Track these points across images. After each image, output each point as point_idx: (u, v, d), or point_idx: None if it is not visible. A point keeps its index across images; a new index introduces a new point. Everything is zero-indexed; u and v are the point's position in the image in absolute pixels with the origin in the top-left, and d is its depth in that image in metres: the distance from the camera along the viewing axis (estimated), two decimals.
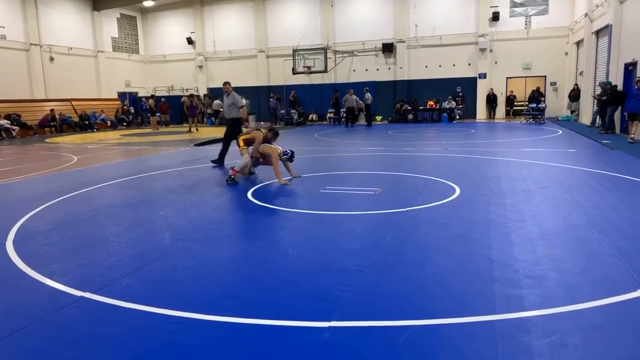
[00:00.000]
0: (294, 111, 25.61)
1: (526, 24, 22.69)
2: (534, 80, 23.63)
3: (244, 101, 10.32)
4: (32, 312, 3.13)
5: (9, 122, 20.07)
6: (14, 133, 19.73)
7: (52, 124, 21.94)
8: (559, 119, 20.87)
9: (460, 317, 2.89)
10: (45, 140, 18.16)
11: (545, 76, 23.01)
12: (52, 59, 23.88)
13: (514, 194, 6.40)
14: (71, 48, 24.88)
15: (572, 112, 20.70)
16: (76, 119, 23.38)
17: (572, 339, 2.62)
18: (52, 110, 22.29)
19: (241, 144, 8.27)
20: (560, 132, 15.51)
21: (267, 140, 8.15)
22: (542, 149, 11.25)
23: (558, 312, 2.93)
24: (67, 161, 11.53)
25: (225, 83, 10.32)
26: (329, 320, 2.88)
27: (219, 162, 10.09)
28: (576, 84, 20.38)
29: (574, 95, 20.20)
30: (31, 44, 22.86)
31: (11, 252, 4.40)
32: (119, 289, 3.48)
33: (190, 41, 28.40)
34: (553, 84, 22.93)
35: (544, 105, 20.61)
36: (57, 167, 10.57)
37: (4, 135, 19.24)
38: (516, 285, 3.36)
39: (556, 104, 22.55)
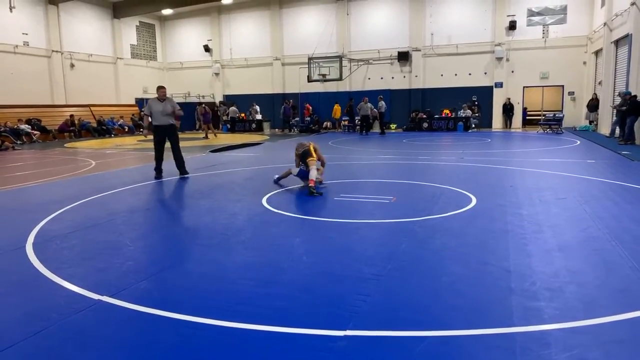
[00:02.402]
0: (299, 119, 25.74)
1: (544, 33, 22.50)
2: (552, 90, 23.39)
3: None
4: (50, 314, 3.18)
5: (29, 126, 20.50)
6: (34, 137, 20.14)
7: (71, 129, 22.36)
8: (577, 129, 20.59)
9: (477, 329, 2.85)
10: (65, 145, 18.49)
11: (562, 86, 22.76)
12: (72, 65, 24.39)
13: (531, 204, 6.31)
14: (91, 55, 25.39)
15: (590, 122, 20.41)
16: (94, 125, 23.78)
17: (593, 353, 2.57)
18: (71, 115, 22.72)
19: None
20: (579, 142, 15.29)
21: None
22: (559, 160, 11.10)
23: (578, 326, 2.88)
24: (86, 166, 11.71)
25: (161, 87, 9.49)
26: (345, 329, 2.86)
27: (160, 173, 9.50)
28: (595, 94, 20.11)
29: (593, 105, 19.92)
30: (53, 51, 23.39)
31: (31, 255, 4.48)
32: (136, 293, 3.51)
33: (207, 49, 28.77)
34: (571, 93, 22.66)
35: (561, 115, 20.37)
36: (75, 171, 10.75)
37: (25, 140, 19.65)
38: (534, 297, 3.30)
39: (574, 114, 22.27)
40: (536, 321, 2.94)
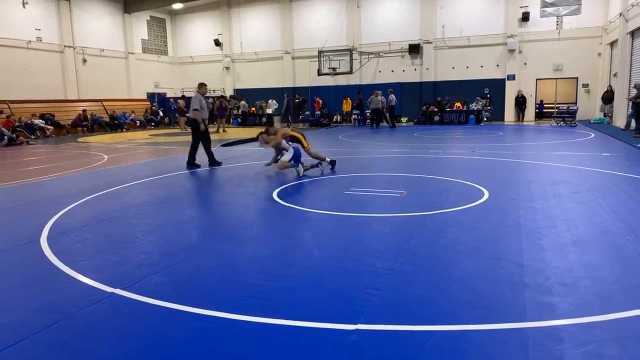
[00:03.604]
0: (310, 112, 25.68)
1: (557, 24, 22.15)
2: (565, 82, 23.05)
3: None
4: (65, 307, 3.21)
5: (43, 121, 20.74)
6: (48, 132, 20.38)
7: (84, 123, 22.58)
8: (592, 121, 20.30)
9: (489, 323, 2.83)
10: (78, 140, 18.69)
11: (577, 78, 22.41)
12: (84, 60, 24.58)
13: (545, 198, 6.24)
14: (103, 50, 25.56)
15: (605, 114, 20.09)
16: (107, 119, 23.99)
17: (608, 349, 2.53)
18: (84, 110, 22.94)
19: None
20: (593, 135, 15.07)
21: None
22: (573, 153, 10.95)
23: (593, 321, 2.84)
24: (98, 160, 11.83)
25: (204, 84, 10.63)
26: (356, 323, 2.86)
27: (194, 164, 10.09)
28: (610, 86, 19.77)
29: (608, 98, 19.60)
30: (65, 46, 23.59)
31: (45, 248, 4.53)
32: (148, 286, 3.54)
33: (217, 43, 28.80)
34: (585, 85, 22.31)
35: (575, 108, 20.08)
36: (88, 165, 10.86)
37: (39, 134, 19.89)
38: (548, 292, 3.27)
39: (588, 106, 21.94)
40: (549, 316, 2.91)
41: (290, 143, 8.67)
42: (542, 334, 2.71)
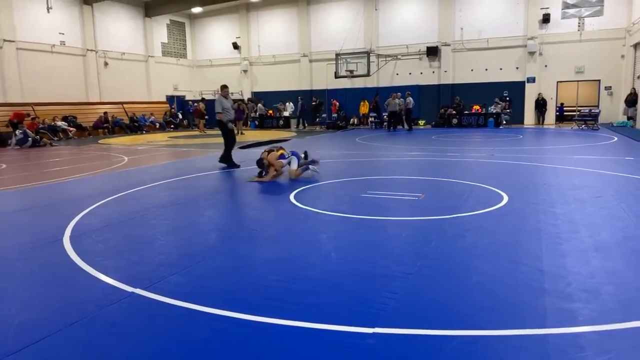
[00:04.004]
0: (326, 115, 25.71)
1: (579, 26, 21.77)
2: (587, 84, 22.63)
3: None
4: (86, 306, 3.28)
5: (66, 123, 21.20)
6: (70, 134, 20.82)
7: (104, 125, 23.00)
8: (614, 125, 19.88)
9: (509, 329, 2.80)
10: (99, 141, 19.04)
11: (599, 80, 21.97)
12: (106, 63, 25.06)
13: (566, 202, 6.13)
14: (124, 53, 26.02)
15: (628, 118, 19.65)
16: (127, 121, 24.39)
17: (630, 357, 2.48)
18: (105, 112, 23.38)
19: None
20: (616, 138, 14.75)
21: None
22: (595, 156, 10.74)
23: (615, 329, 2.78)
24: (119, 161, 12.03)
25: (226, 86, 10.77)
26: (373, 327, 2.85)
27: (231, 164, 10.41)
28: (633, 89, 19.35)
29: (631, 100, 19.18)
30: (87, 50, 24.09)
31: (68, 248, 4.63)
32: (167, 287, 3.59)
33: (235, 46, 29.05)
34: (608, 88, 21.85)
35: (597, 111, 19.69)
36: (109, 167, 11.06)
37: (62, 136, 20.33)
38: (569, 299, 3.21)
39: (611, 109, 21.47)
40: (570, 323, 2.86)
41: (285, 156, 8.57)
42: (562, 341, 2.66)
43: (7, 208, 6.88)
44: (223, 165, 10.36)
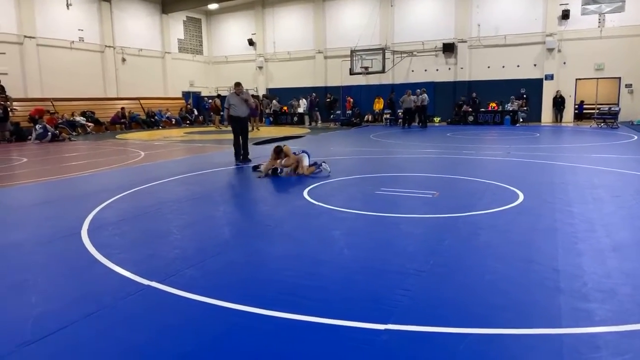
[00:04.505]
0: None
1: (599, 22, 21.35)
2: (607, 82, 22.21)
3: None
4: (103, 297, 3.35)
5: (84, 118, 21.53)
6: (88, 129, 21.13)
7: (122, 121, 23.29)
8: (635, 123, 19.48)
9: (522, 328, 2.78)
10: (116, 137, 19.30)
11: (619, 77, 21.55)
12: (124, 60, 25.35)
13: (583, 202, 6.05)
14: (141, 50, 26.29)
15: None
16: (144, 117, 24.67)
17: None
18: (122, 108, 23.67)
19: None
20: (636, 137, 14.46)
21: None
22: (614, 155, 10.55)
23: (632, 330, 2.74)
24: (135, 156, 12.19)
25: (238, 84, 10.76)
26: (386, 323, 2.86)
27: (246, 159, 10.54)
28: None
29: None
30: (106, 46, 24.39)
31: (86, 241, 4.72)
32: (182, 280, 3.64)
33: (251, 42, 29.15)
34: (628, 85, 21.41)
35: (617, 109, 19.32)
36: (126, 161, 11.21)
37: (80, 131, 20.65)
38: (584, 299, 3.18)
39: (631, 107, 21.04)
40: (586, 323, 2.83)
41: (295, 153, 8.66)
42: (577, 341, 2.64)
43: (28, 201, 7.04)
44: (247, 163, 10.25)
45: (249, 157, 10.64)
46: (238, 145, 10.60)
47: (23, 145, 16.49)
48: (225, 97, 11.56)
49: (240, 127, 10.56)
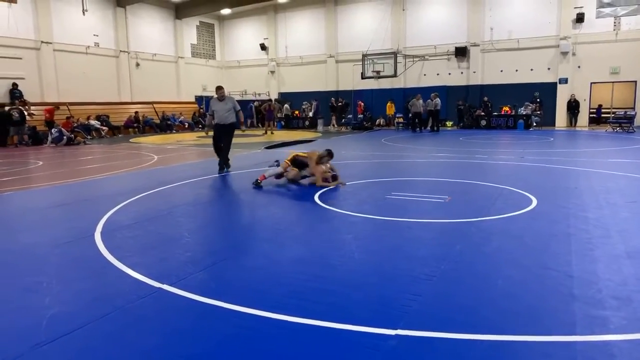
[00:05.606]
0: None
1: (615, 26, 21.08)
2: (623, 85, 21.90)
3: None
4: (116, 300, 3.38)
5: (99, 122, 21.83)
6: (103, 133, 21.42)
7: (135, 125, 23.58)
8: None
9: (535, 335, 2.74)
10: (130, 140, 19.52)
11: (635, 81, 21.23)
12: (138, 64, 25.67)
13: (598, 207, 5.96)
14: (155, 54, 26.60)
15: None
16: (157, 121, 24.92)
17: None
18: (136, 112, 23.97)
19: (288, 160, 8.23)
20: None
21: (320, 160, 8.03)
22: (630, 160, 10.39)
23: None
24: (149, 160, 12.31)
25: (220, 87, 9.89)
26: (395, 328, 2.84)
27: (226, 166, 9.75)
28: None
29: None
30: (120, 51, 24.73)
31: (99, 243, 4.78)
32: (193, 283, 3.66)
33: (263, 47, 29.32)
34: None
35: (633, 113, 19.03)
36: (139, 165, 11.33)
37: (95, 135, 20.93)
38: (599, 306, 3.13)
39: None
40: (600, 330, 2.79)
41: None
42: (592, 348, 2.60)
43: (43, 203, 7.14)
44: (222, 173, 9.59)
45: (228, 169, 9.72)
46: (219, 153, 9.73)
47: (39, 148, 16.76)
48: (237, 102, 10.79)
49: (220, 135, 9.64)
